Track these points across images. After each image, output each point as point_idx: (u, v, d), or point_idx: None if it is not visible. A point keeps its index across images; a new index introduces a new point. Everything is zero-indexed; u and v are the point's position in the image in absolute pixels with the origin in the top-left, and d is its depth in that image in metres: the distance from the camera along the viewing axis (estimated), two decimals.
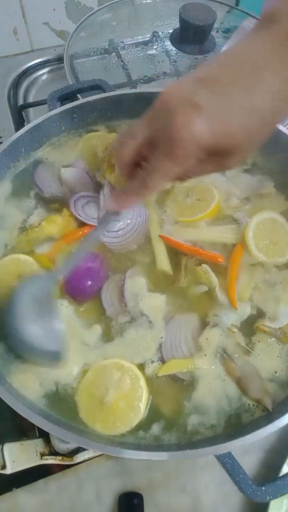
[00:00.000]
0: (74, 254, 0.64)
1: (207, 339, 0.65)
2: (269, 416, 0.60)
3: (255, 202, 0.80)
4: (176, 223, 0.76)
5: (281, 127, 0.80)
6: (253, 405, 0.63)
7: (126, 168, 0.55)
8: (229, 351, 0.64)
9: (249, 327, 0.68)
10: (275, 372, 0.65)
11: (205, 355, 0.64)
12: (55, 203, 0.79)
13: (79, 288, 0.68)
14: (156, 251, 0.73)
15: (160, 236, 0.74)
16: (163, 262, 0.71)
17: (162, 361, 0.64)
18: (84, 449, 0.70)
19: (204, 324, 0.67)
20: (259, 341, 0.67)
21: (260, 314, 0.69)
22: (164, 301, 0.68)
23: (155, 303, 0.68)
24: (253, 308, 0.70)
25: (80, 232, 0.73)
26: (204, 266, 0.69)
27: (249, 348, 0.66)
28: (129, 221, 0.74)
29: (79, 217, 0.75)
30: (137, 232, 0.74)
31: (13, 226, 0.76)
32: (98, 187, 0.80)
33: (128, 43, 1.16)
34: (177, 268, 0.71)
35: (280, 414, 0.57)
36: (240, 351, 0.65)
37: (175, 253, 0.73)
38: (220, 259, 0.71)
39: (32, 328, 0.58)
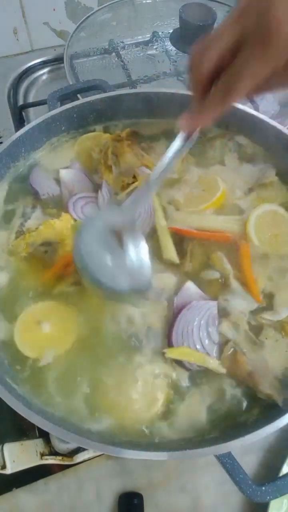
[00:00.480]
0: (141, 192, 0.60)
1: (221, 333, 0.65)
2: (268, 416, 0.60)
3: (259, 193, 0.80)
4: (179, 210, 0.77)
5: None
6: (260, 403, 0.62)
7: (204, 78, 0.50)
8: (241, 345, 0.64)
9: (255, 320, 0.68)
10: (286, 368, 0.65)
11: (219, 360, 0.64)
12: (53, 208, 0.78)
13: None
14: (162, 242, 0.73)
15: (169, 228, 0.74)
16: (170, 252, 0.72)
17: (170, 344, 0.64)
18: (84, 449, 0.70)
19: (224, 313, 0.67)
20: (266, 338, 0.67)
21: (267, 305, 0.69)
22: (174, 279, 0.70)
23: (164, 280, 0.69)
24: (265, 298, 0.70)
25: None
26: (219, 253, 0.71)
27: (259, 342, 0.66)
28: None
29: (78, 219, 0.75)
30: (143, 222, 0.74)
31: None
32: (96, 187, 0.80)
33: (128, 43, 1.16)
34: (182, 254, 0.72)
35: (280, 414, 0.57)
36: (252, 345, 0.65)
37: (180, 239, 0.73)
38: (229, 238, 0.72)
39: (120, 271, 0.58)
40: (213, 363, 0.63)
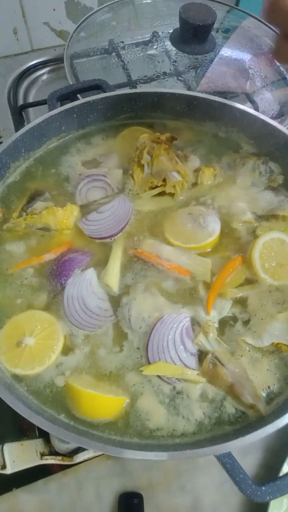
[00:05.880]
0: None
1: (197, 343, 0.65)
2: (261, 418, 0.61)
3: (267, 223, 0.78)
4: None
5: None
6: (242, 413, 0.62)
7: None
8: (219, 357, 0.64)
9: (230, 332, 0.68)
10: (269, 387, 0.64)
11: (197, 373, 0.63)
12: (61, 196, 0.80)
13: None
14: (109, 265, 0.71)
15: (135, 251, 0.73)
16: (112, 278, 0.70)
17: (147, 361, 0.64)
18: (84, 449, 0.70)
19: (197, 324, 0.67)
20: (241, 356, 0.66)
21: (245, 322, 0.69)
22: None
23: None
24: (243, 313, 0.69)
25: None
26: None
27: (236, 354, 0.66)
28: (110, 213, 0.76)
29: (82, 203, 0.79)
30: (115, 223, 0.76)
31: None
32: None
33: (128, 43, 1.16)
34: None
35: (280, 414, 0.57)
36: (230, 356, 0.65)
37: None
38: (187, 273, 0.71)
39: None
40: (191, 375, 0.63)
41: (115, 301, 0.69)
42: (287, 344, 0.66)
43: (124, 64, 1.11)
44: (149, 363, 0.64)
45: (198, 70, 1.10)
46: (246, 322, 0.68)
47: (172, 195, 0.80)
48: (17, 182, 0.83)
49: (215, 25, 1.09)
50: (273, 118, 1.05)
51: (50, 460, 0.68)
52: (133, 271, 0.72)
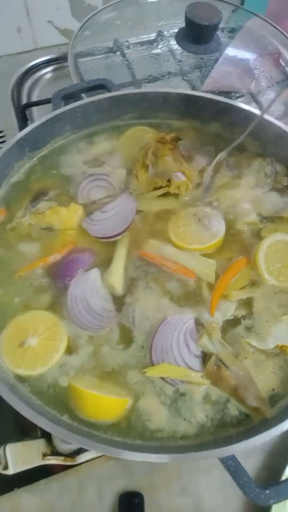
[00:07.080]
0: None
1: (201, 345, 0.65)
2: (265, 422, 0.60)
3: (272, 224, 0.77)
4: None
5: None
6: (245, 416, 0.62)
7: None
8: (223, 359, 0.63)
9: (234, 334, 0.67)
10: (273, 390, 0.64)
11: (201, 375, 0.63)
12: (66, 196, 0.80)
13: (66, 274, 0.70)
14: (113, 266, 0.71)
15: (141, 253, 0.73)
16: (115, 278, 0.69)
17: (151, 362, 0.64)
18: (86, 450, 0.70)
19: (201, 326, 0.67)
20: (245, 358, 0.66)
21: (249, 324, 0.68)
22: None
23: None
24: (247, 315, 0.69)
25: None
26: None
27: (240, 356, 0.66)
28: (114, 212, 0.76)
29: (83, 203, 0.78)
30: (120, 221, 0.75)
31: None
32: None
33: (133, 42, 1.15)
34: None
35: (284, 417, 0.57)
36: (234, 358, 0.64)
37: None
38: (193, 275, 0.71)
39: None
40: (195, 376, 0.62)
41: (119, 302, 0.69)
42: None
43: (129, 63, 1.10)
44: (153, 364, 0.64)
45: (203, 70, 1.09)
46: (250, 324, 0.68)
47: (176, 195, 0.79)
48: (21, 182, 0.83)
49: (221, 25, 1.08)
50: (278, 118, 1.04)
51: (52, 461, 0.68)
52: (137, 271, 0.72)
